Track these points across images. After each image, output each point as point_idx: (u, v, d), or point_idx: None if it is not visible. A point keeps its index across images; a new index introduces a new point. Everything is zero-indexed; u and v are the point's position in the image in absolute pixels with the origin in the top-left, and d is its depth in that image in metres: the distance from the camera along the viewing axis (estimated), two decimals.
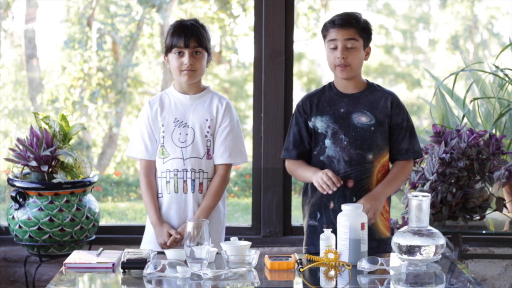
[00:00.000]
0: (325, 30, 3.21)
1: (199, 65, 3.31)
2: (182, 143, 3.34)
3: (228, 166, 3.38)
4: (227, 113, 3.38)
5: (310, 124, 3.25)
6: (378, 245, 3.20)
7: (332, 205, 3.21)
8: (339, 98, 3.25)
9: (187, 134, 3.35)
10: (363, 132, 3.20)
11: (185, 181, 3.34)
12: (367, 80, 3.30)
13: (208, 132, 3.36)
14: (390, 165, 3.30)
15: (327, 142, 3.22)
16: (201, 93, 3.39)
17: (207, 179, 3.35)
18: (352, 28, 3.17)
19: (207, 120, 3.36)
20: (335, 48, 3.17)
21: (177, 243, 3.31)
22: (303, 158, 3.29)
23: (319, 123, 3.24)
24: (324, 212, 3.23)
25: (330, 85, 3.30)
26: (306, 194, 3.30)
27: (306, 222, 3.30)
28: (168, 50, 3.33)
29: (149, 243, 3.39)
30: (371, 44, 3.24)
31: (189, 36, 3.29)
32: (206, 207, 3.33)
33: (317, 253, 2.90)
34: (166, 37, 3.35)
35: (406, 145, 3.26)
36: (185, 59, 3.29)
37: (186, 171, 3.33)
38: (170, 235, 3.30)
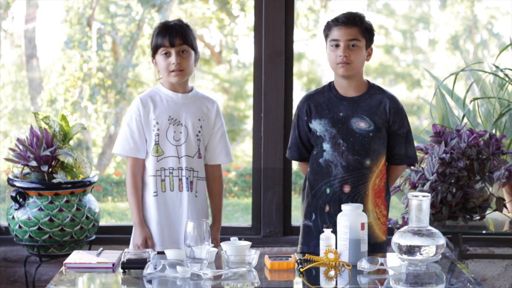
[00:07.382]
0: (328, 29, 3.19)
1: (186, 64, 3.31)
2: (177, 141, 3.34)
3: (220, 166, 3.47)
4: (219, 115, 3.43)
5: (311, 126, 3.25)
6: (372, 249, 3.19)
7: (327, 208, 3.22)
8: (338, 101, 3.23)
9: (181, 132, 3.35)
10: (362, 138, 3.19)
11: (180, 179, 3.35)
12: (368, 81, 3.28)
13: (199, 132, 3.37)
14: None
15: (326, 146, 3.21)
16: (191, 92, 3.40)
17: (196, 178, 3.37)
18: (356, 27, 3.15)
19: (199, 120, 3.37)
20: (337, 46, 3.16)
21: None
22: (305, 159, 3.32)
23: (317, 126, 3.23)
24: (319, 214, 3.24)
25: (330, 86, 3.27)
26: (304, 192, 3.31)
27: (302, 221, 3.31)
28: (154, 51, 3.33)
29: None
30: (372, 46, 3.24)
31: (173, 35, 3.29)
32: (219, 208, 3.46)
33: (310, 253, 2.92)
34: (151, 40, 3.35)
35: (401, 151, 3.27)
36: (172, 58, 3.29)
37: (181, 169, 3.34)
38: (146, 241, 3.33)
